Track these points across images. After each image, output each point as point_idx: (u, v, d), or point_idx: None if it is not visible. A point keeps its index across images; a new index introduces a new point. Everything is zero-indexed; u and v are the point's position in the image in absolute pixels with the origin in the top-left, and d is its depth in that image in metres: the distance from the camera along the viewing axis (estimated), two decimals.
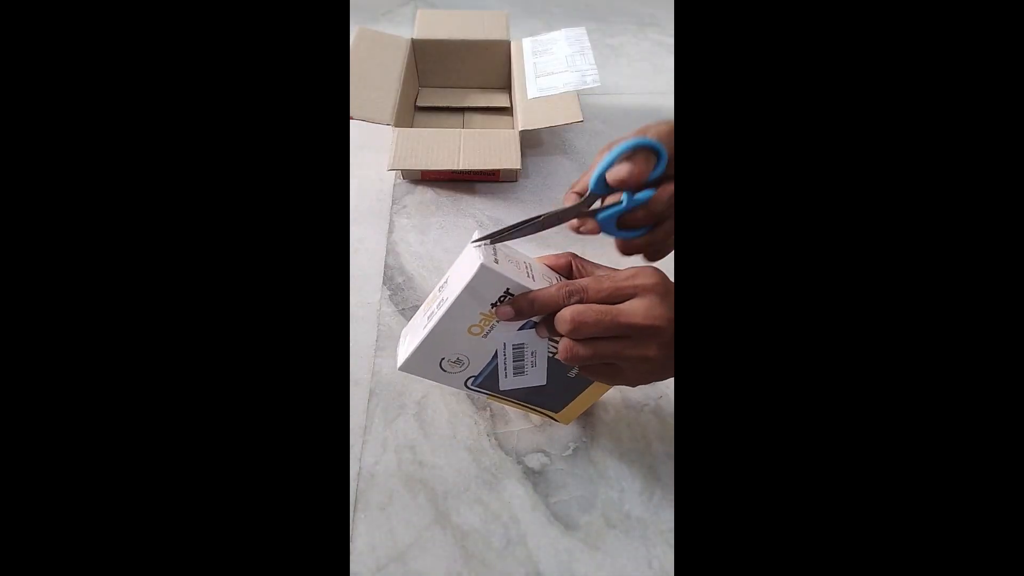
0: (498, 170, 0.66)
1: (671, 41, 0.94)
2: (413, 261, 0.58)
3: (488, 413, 0.47)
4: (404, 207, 0.64)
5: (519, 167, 0.62)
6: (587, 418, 0.47)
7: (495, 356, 0.37)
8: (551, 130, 0.75)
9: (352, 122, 0.61)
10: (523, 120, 0.67)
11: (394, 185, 0.67)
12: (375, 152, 0.69)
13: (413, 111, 0.78)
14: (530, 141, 0.73)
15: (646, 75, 0.87)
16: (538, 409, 0.44)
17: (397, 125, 0.65)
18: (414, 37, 0.78)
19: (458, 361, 0.37)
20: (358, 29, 0.74)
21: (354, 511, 0.41)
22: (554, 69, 0.72)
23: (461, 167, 0.62)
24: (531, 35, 0.77)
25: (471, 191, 0.67)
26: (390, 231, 0.62)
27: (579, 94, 0.67)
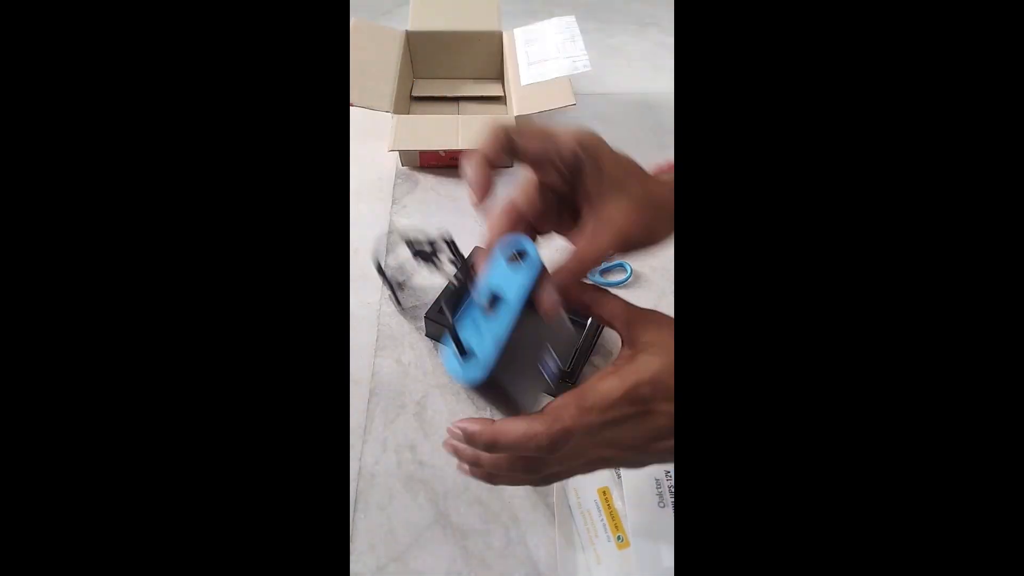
0: None
1: (671, 41, 0.94)
2: (413, 261, 0.58)
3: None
4: (404, 207, 0.64)
5: None
6: None
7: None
8: (544, 116, 0.75)
9: (351, 122, 0.61)
10: (518, 106, 0.68)
11: (394, 185, 0.67)
12: (375, 153, 0.69)
13: (409, 101, 0.78)
14: None
15: (646, 75, 0.88)
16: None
17: (395, 114, 0.65)
18: (408, 29, 0.78)
19: None
20: (354, 21, 0.74)
21: (354, 511, 0.41)
22: (546, 56, 0.72)
23: (460, 147, 0.62)
24: None
25: None
26: (390, 231, 0.62)
27: (577, 94, 0.67)
